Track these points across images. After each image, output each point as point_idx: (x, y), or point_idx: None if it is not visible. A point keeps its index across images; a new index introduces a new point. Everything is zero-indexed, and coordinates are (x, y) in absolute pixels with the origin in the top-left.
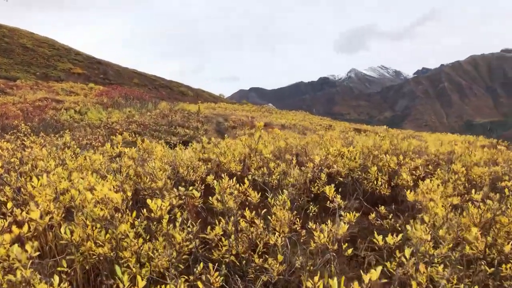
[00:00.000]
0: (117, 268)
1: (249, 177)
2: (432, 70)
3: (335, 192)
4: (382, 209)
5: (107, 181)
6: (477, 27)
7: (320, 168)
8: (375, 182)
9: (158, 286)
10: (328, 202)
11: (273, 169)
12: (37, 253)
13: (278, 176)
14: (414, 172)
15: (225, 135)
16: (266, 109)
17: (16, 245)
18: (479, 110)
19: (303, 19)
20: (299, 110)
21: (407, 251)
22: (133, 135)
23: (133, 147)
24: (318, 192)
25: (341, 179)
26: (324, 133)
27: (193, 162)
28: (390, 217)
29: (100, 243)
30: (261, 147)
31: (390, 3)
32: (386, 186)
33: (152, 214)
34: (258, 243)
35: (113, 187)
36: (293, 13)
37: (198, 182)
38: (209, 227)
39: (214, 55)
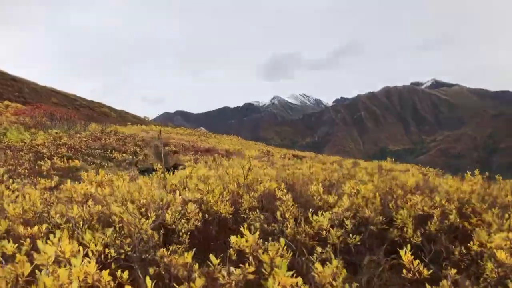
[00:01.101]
0: None
1: (256, 224)
2: (350, 99)
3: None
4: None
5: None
6: (391, 60)
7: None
8: (406, 230)
9: None
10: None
11: (283, 213)
12: None
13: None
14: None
15: (170, 161)
16: (201, 132)
17: None
18: (392, 138)
19: (229, 44)
20: (228, 134)
21: None
22: (64, 160)
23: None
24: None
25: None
26: (306, 164)
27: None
28: None
29: None
30: (251, 180)
31: (312, 34)
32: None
33: None
34: None
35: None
36: (220, 38)
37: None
38: None
39: (138, 77)
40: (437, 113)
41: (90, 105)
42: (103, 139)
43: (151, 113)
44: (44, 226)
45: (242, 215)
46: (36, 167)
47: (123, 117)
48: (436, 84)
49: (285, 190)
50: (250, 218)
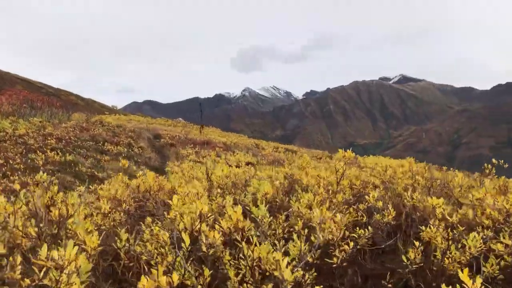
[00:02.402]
0: None
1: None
2: (320, 93)
3: None
4: None
5: None
6: (360, 55)
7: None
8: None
9: None
10: None
11: None
12: None
13: None
14: None
15: (169, 155)
16: (183, 123)
17: None
18: (360, 132)
19: (202, 35)
20: (200, 125)
21: None
22: (58, 154)
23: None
24: None
25: None
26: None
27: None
28: None
29: None
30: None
31: (284, 27)
32: None
33: None
34: None
35: None
36: (192, 28)
37: None
38: None
39: (104, 65)
40: (404, 108)
41: (57, 93)
42: (91, 129)
43: (119, 102)
44: None
45: None
46: (29, 160)
47: (91, 106)
48: (404, 79)
49: None
50: None
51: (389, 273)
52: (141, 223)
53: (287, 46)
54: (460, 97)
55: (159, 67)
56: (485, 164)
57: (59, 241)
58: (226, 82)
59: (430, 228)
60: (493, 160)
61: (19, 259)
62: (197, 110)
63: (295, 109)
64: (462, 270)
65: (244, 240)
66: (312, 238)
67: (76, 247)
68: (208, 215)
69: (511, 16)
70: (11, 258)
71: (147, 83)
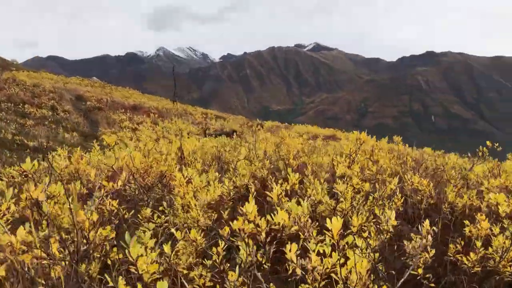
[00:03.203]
0: None
1: None
2: (237, 56)
3: None
4: None
5: None
6: (277, 21)
7: None
8: None
9: None
10: None
11: None
12: None
13: None
14: None
15: (97, 119)
16: (100, 84)
17: None
18: (275, 98)
19: None
20: (109, 84)
21: None
22: None
23: None
24: None
25: None
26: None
27: None
28: None
29: None
30: None
31: None
32: None
33: None
34: None
35: None
36: None
37: None
38: None
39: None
40: (317, 76)
41: None
42: (6, 89)
43: (19, 58)
44: None
45: None
46: None
47: None
48: (318, 47)
49: None
50: None
51: None
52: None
53: (204, 6)
54: (369, 67)
55: (66, 21)
56: (481, 148)
57: None
58: (139, 41)
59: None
60: (488, 145)
61: None
62: (107, 68)
63: (211, 71)
64: None
65: None
66: None
67: None
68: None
69: None
70: None
71: (52, 38)
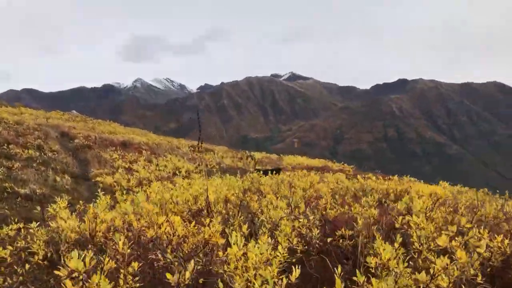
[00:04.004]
0: None
1: None
2: (214, 87)
3: None
4: None
5: None
6: (253, 52)
7: None
8: None
9: None
10: None
11: None
12: None
13: None
14: None
15: (87, 158)
16: (82, 118)
17: None
18: (253, 126)
19: (84, 19)
20: (87, 117)
21: None
22: None
23: None
24: None
25: None
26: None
27: None
28: None
29: None
30: None
31: (177, 17)
32: None
33: None
34: None
35: None
36: (74, 11)
37: None
38: None
39: None
40: (293, 104)
41: None
42: None
43: None
44: None
45: None
46: None
47: None
48: (293, 77)
49: None
50: None
51: None
52: None
53: (180, 37)
54: (343, 95)
55: (40, 53)
56: None
57: None
58: (116, 72)
59: None
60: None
61: None
62: (83, 101)
63: (189, 102)
64: None
65: None
66: None
67: None
68: None
69: (392, 23)
70: None
71: (25, 70)
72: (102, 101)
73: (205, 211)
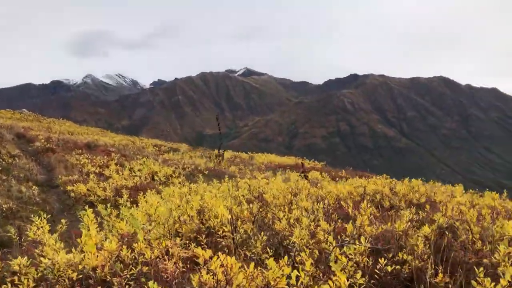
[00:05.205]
0: None
1: None
2: (168, 82)
3: None
4: None
5: None
6: (207, 47)
7: None
8: None
9: None
10: None
11: None
12: None
13: None
14: None
15: (50, 163)
16: (34, 117)
17: None
18: (209, 122)
19: (29, 14)
20: (34, 113)
21: None
22: None
23: None
24: None
25: None
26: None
27: None
28: None
29: None
30: None
31: (127, 11)
32: None
33: None
34: None
35: None
36: (19, 4)
37: None
38: None
39: None
40: (248, 100)
41: None
42: None
43: None
44: None
45: None
46: None
47: None
48: (248, 72)
49: None
50: None
51: None
52: None
53: (130, 32)
54: (297, 90)
55: None
56: None
57: None
58: (64, 68)
59: None
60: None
61: None
62: (30, 98)
63: (142, 98)
64: None
65: None
66: None
67: None
68: None
69: (344, 19)
70: None
71: None
72: (50, 97)
73: (221, 231)
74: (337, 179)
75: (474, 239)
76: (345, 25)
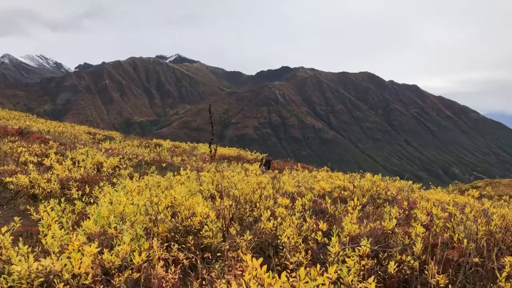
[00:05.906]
0: None
1: None
2: (94, 66)
3: None
4: None
5: None
6: (137, 32)
7: None
8: None
9: None
10: None
11: None
12: None
13: None
14: None
15: None
16: None
17: None
18: (137, 109)
19: None
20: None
21: None
22: None
23: None
24: None
25: None
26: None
27: None
28: None
29: None
30: None
31: None
32: None
33: None
34: None
35: None
36: None
37: None
38: None
39: None
40: (179, 87)
41: None
42: None
43: None
44: None
45: None
46: None
47: None
48: (180, 59)
49: None
50: None
51: None
52: None
53: (53, 11)
54: (230, 80)
55: None
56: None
57: None
58: None
59: None
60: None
61: None
62: None
63: (66, 82)
64: None
65: None
66: None
67: None
68: None
69: (278, 12)
70: None
71: None
72: None
73: (203, 231)
74: (283, 171)
75: (460, 238)
76: (280, 18)
